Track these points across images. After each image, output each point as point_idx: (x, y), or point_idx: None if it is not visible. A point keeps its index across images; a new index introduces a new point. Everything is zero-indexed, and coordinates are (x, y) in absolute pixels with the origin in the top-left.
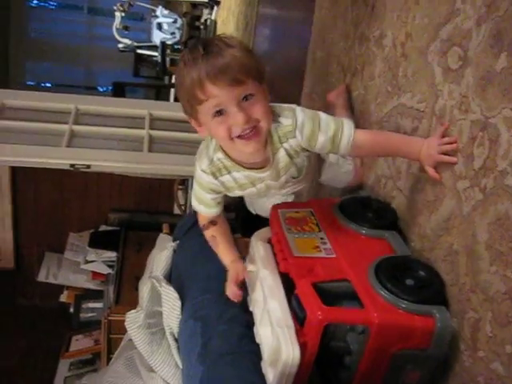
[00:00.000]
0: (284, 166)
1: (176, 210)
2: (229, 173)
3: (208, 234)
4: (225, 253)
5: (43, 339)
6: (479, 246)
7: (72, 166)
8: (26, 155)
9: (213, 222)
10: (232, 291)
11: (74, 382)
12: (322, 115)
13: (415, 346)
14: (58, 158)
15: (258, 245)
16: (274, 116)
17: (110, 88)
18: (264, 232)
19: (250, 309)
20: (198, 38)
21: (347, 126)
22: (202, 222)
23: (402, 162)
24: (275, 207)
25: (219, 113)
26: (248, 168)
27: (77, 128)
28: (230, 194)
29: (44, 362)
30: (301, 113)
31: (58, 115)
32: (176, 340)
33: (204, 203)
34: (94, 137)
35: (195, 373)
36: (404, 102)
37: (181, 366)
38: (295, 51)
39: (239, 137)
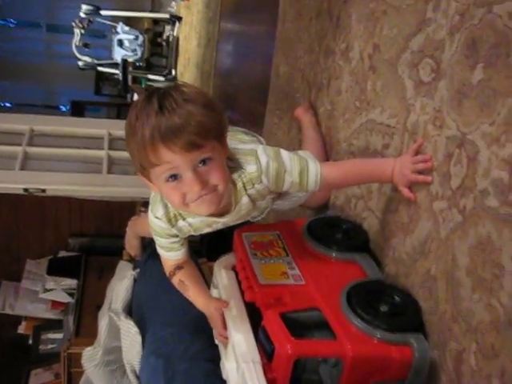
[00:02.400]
0: (246, 211)
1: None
2: (184, 219)
3: (175, 280)
4: (196, 296)
5: (1, 374)
6: (459, 271)
7: (26, 190)
8: None
9: (179, 267)
10: (223, 335)
11: None
12: (284, 154)
13: (392, 377)
14: (10, 182)
15: (222, 272)
16: (236, 163)
17: (66, 108)
18: (228, 258)
19: (216, 342)
20: (155, 89)
21: (312, 163)
22: (167, 269)
23: None
24: (239, 231)
25: (173, 177)
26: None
27: (31, 150)
28: (183, 236)
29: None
30: (263, 155)
31: (11, 136)
32: (138, 377)
33: (166, 248)
34: (50, 159)
35: None
36: (373, 117)
37: None
38: (259, 67)
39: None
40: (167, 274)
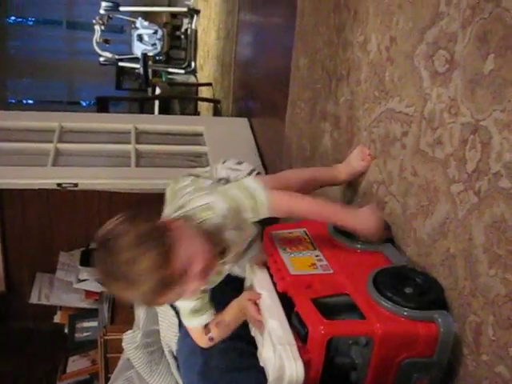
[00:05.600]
0: (240, 240)
1: None
2: None
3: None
4: (229, 313)
5: (39, 362)
6: (476, 249)
7: (59, 185)
8: (12, 176)
9: (207, 330)
10: (258, 319)
11: None
12: (233, 192)
13: (420, 353)
14: (44, 178)
15: (254, 269)
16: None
17: (93, 102)
18: (259, 257)
19: (252, 334)
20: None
21: (257, 190)
22: (200, 341)
23: (393, 167)
24: (268, 230)
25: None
26: None
27: (62, 146)
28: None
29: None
30: (218, 205)
31: (42, 134)
32: (175, 358)
33: (193, 314)
34: (80, 154)
35: None
36: (392, 106)
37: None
38: (279, 58)
39: None
40: (202, 345)
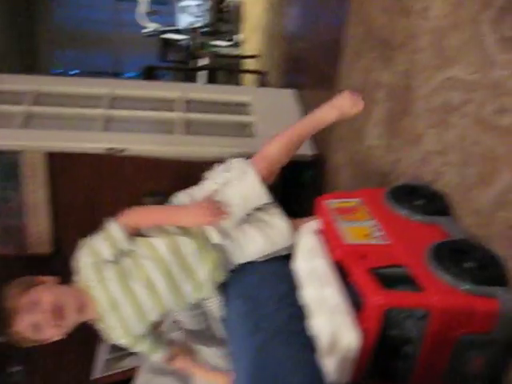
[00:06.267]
0: None
1: None
2: None
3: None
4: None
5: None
6: None
7: (108, 149)
8: (63, 140)
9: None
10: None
11: (117, 364)
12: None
13: (478, 329)
14: (94, 142)
15: (307, 237)
16: None
17: (136, 74)
18: (310, 224)
19: (301, 302)
20: None
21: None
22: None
23: (453, 136)
24: (321, 199)
25: None
26: None
27: (112, 112)
28: None
29: (85, 342)
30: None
31: (92, 100)
32: (221, 320)
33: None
34: (130, 120)
35: (246, 353)
36: (453, 74)
37: (228, 346)
38: (330, 29)
39: None
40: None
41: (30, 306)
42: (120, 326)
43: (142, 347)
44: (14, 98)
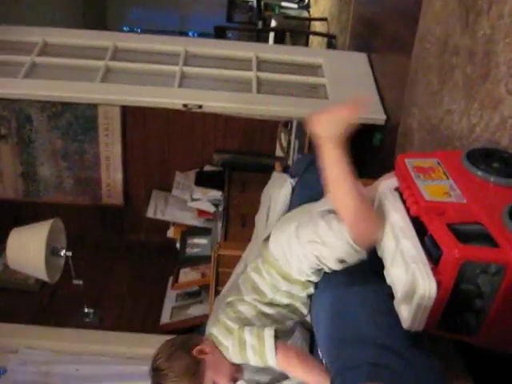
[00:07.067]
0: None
1: (278, 152)
2: None
3: None
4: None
5: (151, 270)
6: None
7: (185, 105)
8: (140, 95)
9: None
10: None
11: (182, 312)
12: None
13: None
14: (170, 98)
15: (386, 192)
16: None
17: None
18: (389, 181)
19: (379, 254)
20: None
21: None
22: None
23: None
24: (401, 157)
25: None
26: None
27: (187, 69)
28: None
29: (152, 290)
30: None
31: (168, 57)
32: None
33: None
34: (204, 78)
35: (323, 304)
36: None
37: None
38: None
39: None
40: None
41: None
42: None
43: None
44: (93, 53)
